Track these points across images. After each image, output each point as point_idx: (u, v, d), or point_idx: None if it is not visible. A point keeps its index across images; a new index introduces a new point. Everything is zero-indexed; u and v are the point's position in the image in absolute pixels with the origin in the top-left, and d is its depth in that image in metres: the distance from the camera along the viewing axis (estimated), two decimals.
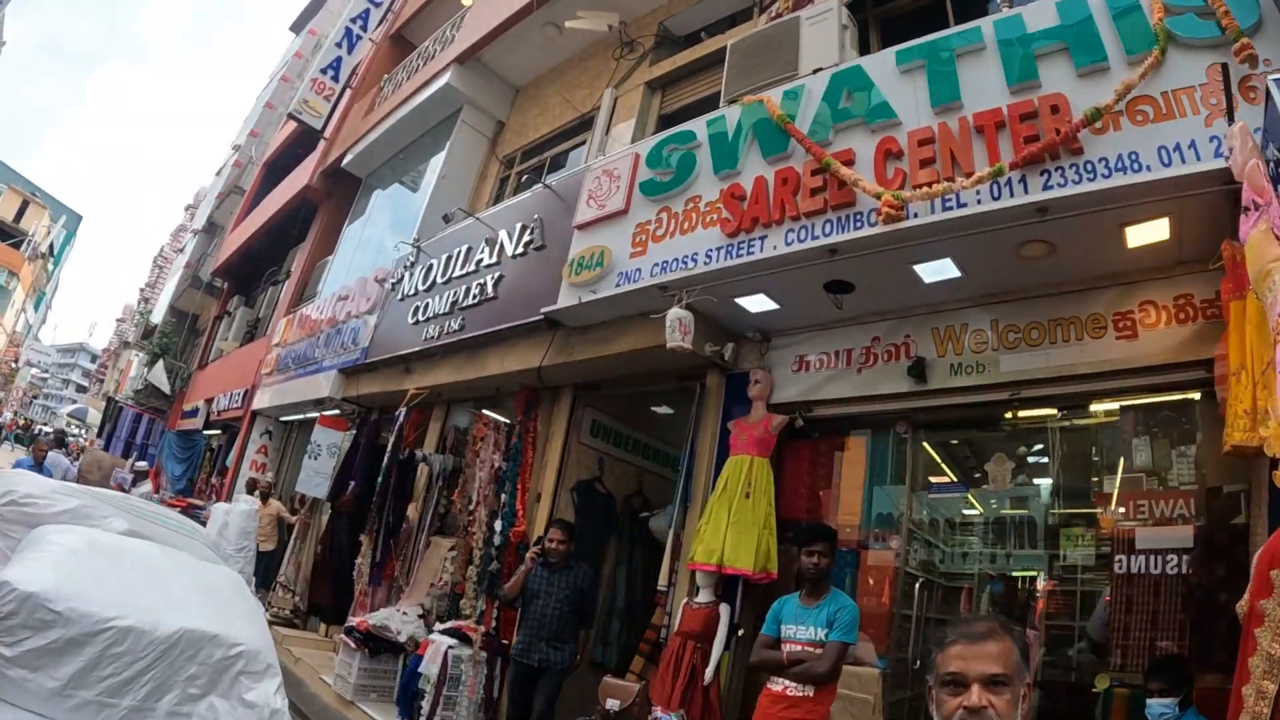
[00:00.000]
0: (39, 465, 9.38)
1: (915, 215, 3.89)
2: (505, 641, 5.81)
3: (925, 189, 3.85)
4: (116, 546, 3.11)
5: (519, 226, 6.88)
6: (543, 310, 5.68)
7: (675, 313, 4.73)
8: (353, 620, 6.75)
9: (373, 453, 8.38)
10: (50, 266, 53.63)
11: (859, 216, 4.21)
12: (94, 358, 70.17)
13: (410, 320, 8.03)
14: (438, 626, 6.20)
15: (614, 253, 5.40)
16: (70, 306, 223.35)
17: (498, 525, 6.32)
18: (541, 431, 6.57)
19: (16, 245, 41.98)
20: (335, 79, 14.82)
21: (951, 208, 3.83)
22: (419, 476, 7.82)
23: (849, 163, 4.33)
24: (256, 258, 17.16)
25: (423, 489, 7.78)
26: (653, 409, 7.54)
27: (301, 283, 13.58)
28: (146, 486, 10.55)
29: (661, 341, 4.78)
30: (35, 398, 68.84)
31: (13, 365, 55.58)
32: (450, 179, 9.80)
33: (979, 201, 3.76)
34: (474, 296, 7.04)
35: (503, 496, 6.44)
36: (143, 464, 12.56)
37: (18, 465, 9.82)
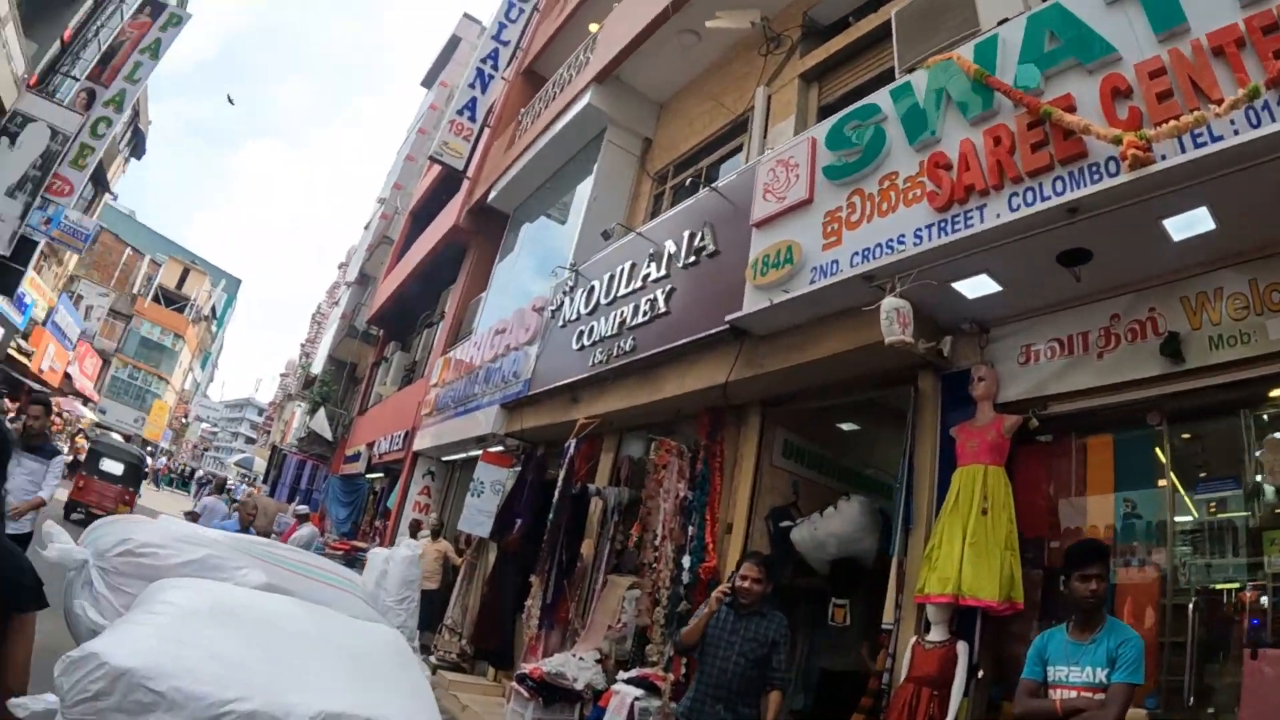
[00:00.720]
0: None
1: (1163, 157, 3.18)
2: None
3: (1171, 124, 3.15)
4: (246, 605, 2.61)
5: (686, 235, 6.42)
6: (728, 319, 5.13)
7: (891, 302, 4.08)
8: (524, 667, 6.32)
9: (540, 489, 7.99)
10: (214, 328, 59.01)
11: (1094, 168, 3.54)
12: (260, 411, 75.67)
13: (574, 346, 7.70)
14: (622, 675, 5.63)
15: (803, 247, 4.82)
16: (236, 365, 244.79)
17: (685, 561, 5.71)
18: (729, 455, 5.94)
19: (181, 310, 46.48)
20: (472, 119, 15.12)
21: (1204, 143, 3.12)
22: (592, 511, 7.36)
23: (1070, 109, 3.66)
24: (410, 303, 17.67)
25: (596, 525, 7.28)
26: (838, 426, 6.85)
27: (456, 322, 13.73)
28: (305, 530, 10.71)
29: (868, 341, 4.17)
30: (205, 450, 74.98)
31: (183, 421, 61.00)
32: (602, 200, 9.54)
33: (1235, 133, 3.04)
34: (644, 314, 6.61)
35: (690, 529, 5.85)
36: (303, 508, 12.88)
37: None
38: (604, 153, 9.70)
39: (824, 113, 6.80)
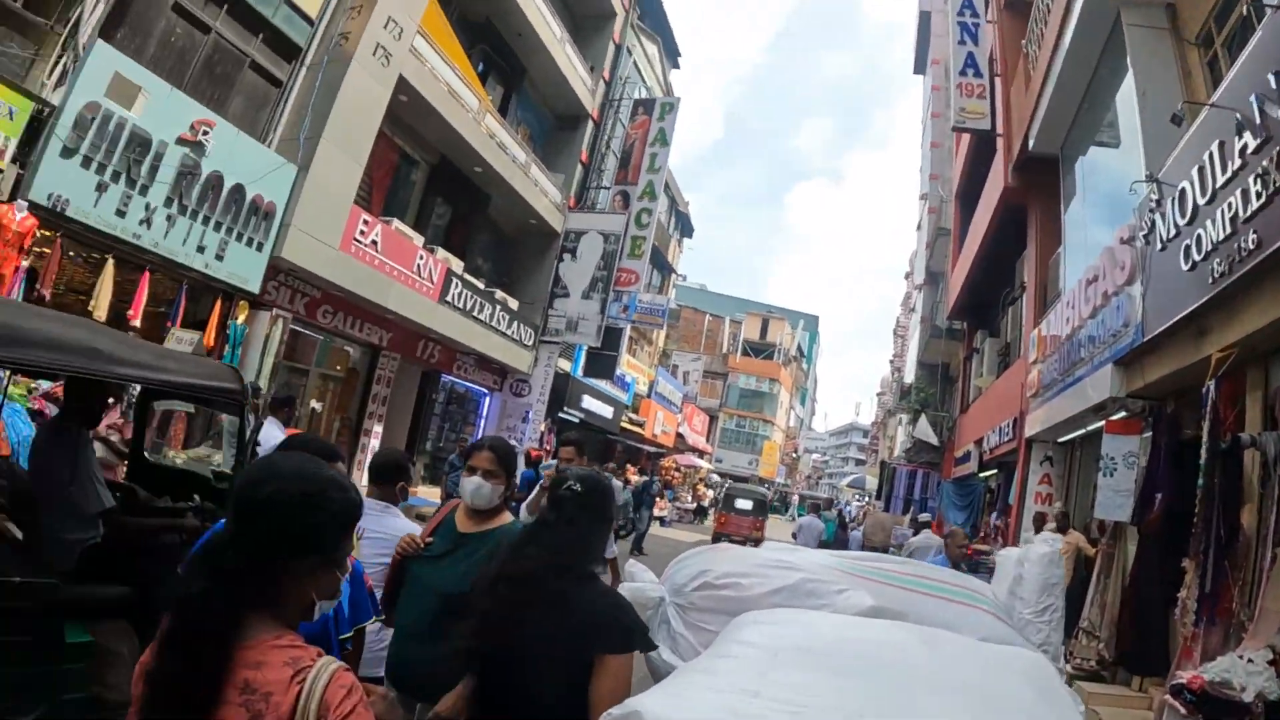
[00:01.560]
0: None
1: None
2: None
3: None
4: (843, 638, 2.15)
5: (1272, 79, 5.00)
6: None
7: None
8: (1181, 675, 4.96)
9: (1177, 452, 6.57)
10: (804, 365, 64.80)
11: None
12: (865, 433, 79.39)
13: (1184, 267, 6.45)
14: None
15: None
16: (834, 395, 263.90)
17: None
18: None
19: (769, 356, 52.37)
20: (978, 74, 14.35)
21: None
22: (1248, 468, 5.78)
23: None
24: (985, 285, 16.98)
25: (1256, 485, 5.58)
26: None
27: (1040, 288, 12.71)
28: (920, 538, 10.55)
29: None
30: (820, 478, 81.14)
31: (794, 455, 67.27)
32: (1151, 94, 7.98)
33: None
34: (1257, 196, 5.24)
35: None
36: (925, 515, 12.85)
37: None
38: (1129, 41, 8.18)
39: None
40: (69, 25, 8.66)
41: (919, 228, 29.53)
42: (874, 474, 42.87)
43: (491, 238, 19.00)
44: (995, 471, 15.10)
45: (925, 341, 23.14)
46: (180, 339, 9.84)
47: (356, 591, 2.40)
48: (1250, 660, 4.83)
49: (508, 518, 3.00)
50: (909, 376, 25.60)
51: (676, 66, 28.83)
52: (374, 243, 12.59)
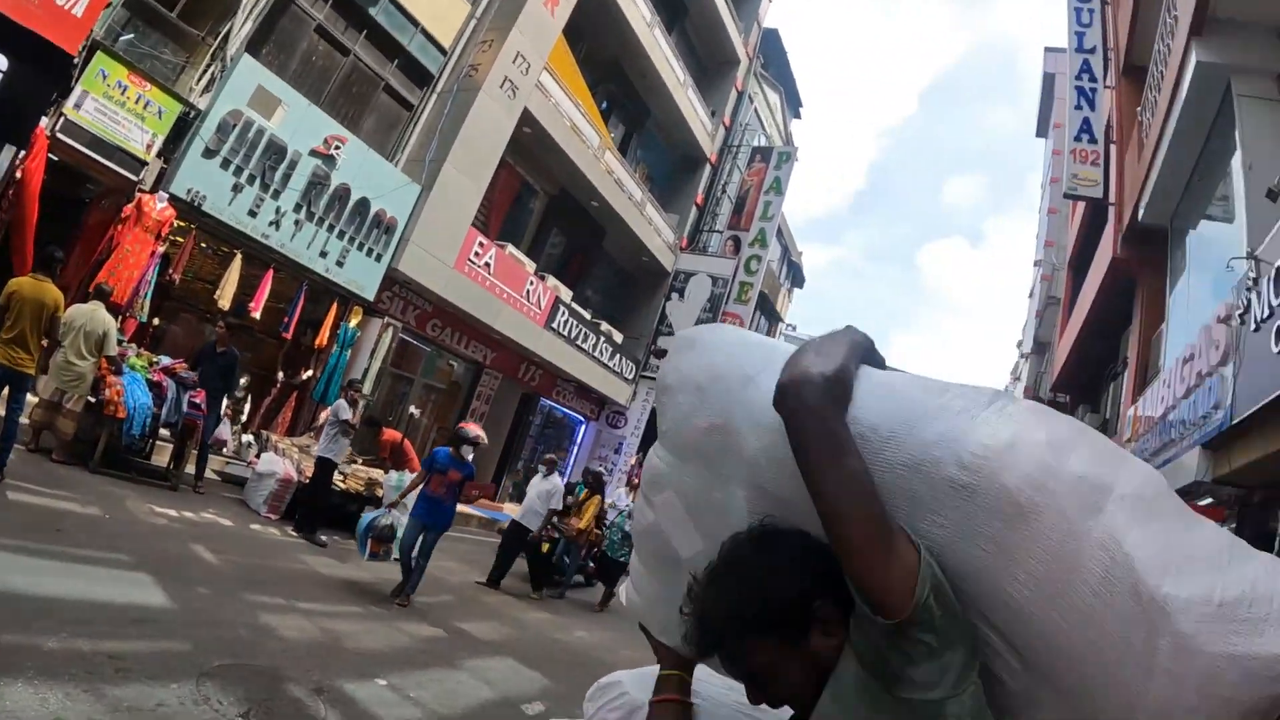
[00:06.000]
0: None
1: None
2: None
3: None
4: None
5: None
6: None
7: None
8: None
9: (1262, 544, 6.06)
10: None
11: None
12: None
13: (1275, 349, 6.05)
14: None
15: None
16: None
17: None
18: None
19: None
20: (1092, 140, 13.90)
21: None
22: None
23: None
24: (1090, 358, 16.16)
25: None
26: None
27: (1141, 366, 12.01)
28: None
29: None
30: None
31: None
32: (1258, 166, 7.55)
33: None
34: None
35: None
36: None
37: None
38: (1239, 110, 7.80)
39: None
40: (220, 38, 9.69)
41: (1030, 295, 28.42)
42: None
43: (603, 271, 19.47)
44: None
45: None
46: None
47: None
48: None
49: None
50: None
51: (798, 116, 29.03)
52: (487, 265, 13.29)
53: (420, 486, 7.42)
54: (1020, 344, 33.09)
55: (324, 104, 10.99)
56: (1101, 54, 14.23)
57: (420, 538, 7.16)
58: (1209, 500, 7.68)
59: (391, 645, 5.83)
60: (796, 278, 33.09)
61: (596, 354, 16.85)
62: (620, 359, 17.88)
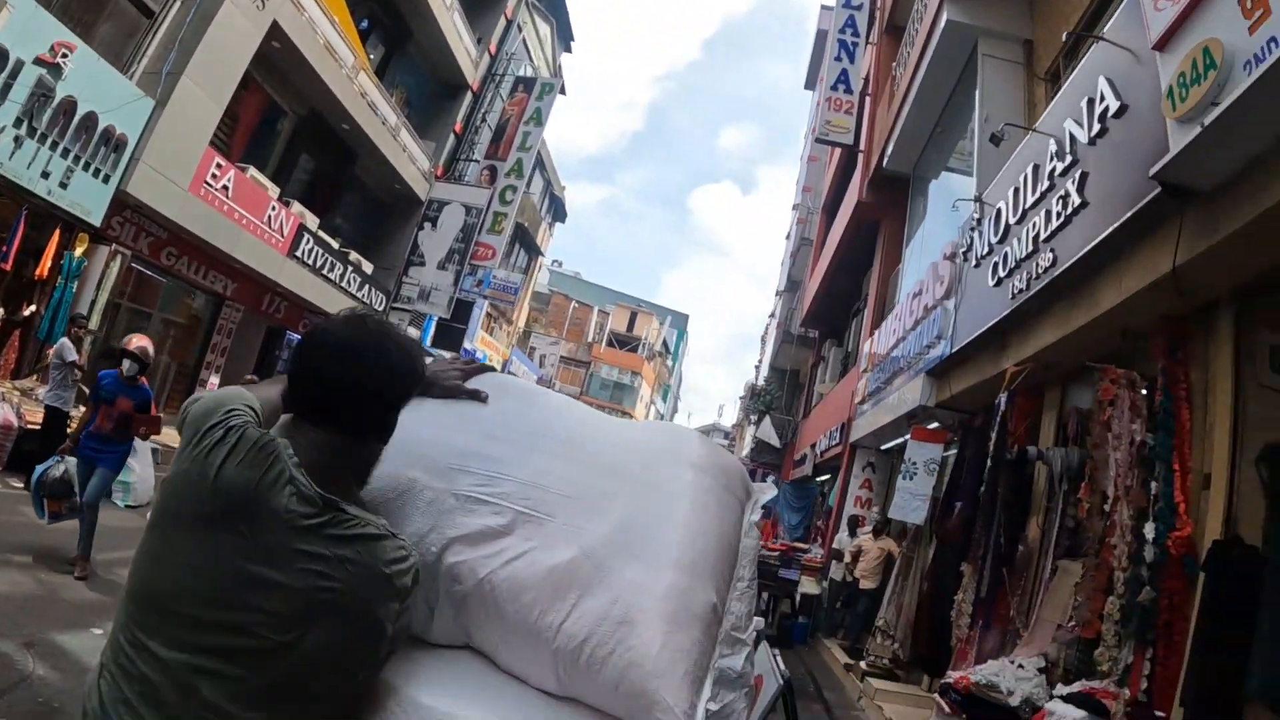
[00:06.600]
0: None
1: None
2: (1161, 714, 3.82)
3: None
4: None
5: (1084, 103, 5.20)
6: (1153, 172, 3.89)
7: None
8: (951, 675, 5.16)
9: (980, 465, 6.71)
10: (669, 362, 65.86)
11: None
12: (726, 434, 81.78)
13: (991, 283, 6.70)
14: (1059, 690, 4.30)
15: (1224, 42, 3.40)
16: (703, 397, 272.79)
17: (1149, 530, 4.10)
18: (1197, 380, 4.37)
19: (634, 350, 52.89)
20: (848, 91, 14.77)
21: None
22: (1036, 481, 6.13)
23: None
24: (837, 296, 17.56)
25: (1043, 498, 5.99)
26: None
27: (879, 302, 13.19)
28: None
29: None
30: None
31: None
32: (993, 120, 8.29)
33: None
34: (1057, 216, 5.45)
35: (1153, 485, 4.26)
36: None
37: None
38: (982, 69, 8.50)
39: None
40: None
41: (788, 237, 30.38)
42: None
43: (354, 199, 18.35)
44: (829, 476, 15.57)
45: (779, 346, 23.80)
46: None
47: None
48: (1021, 666, 5.00)
49: None
50: (761, 380, 26.27)
51: (569, 50, 28.53)
52: (225, 188, 12.19)
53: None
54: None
55: (55, 8, 9.30)
56: (868, 11, 15.04)
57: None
58: (935, 424, 8.55)
59: (113, 594, 5.36)
60: (559, 212, 32.95)
61: (344, 284, 15.86)
62: (370, 290, 16.98)
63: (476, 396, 1.59)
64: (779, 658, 3.81)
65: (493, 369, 1.83)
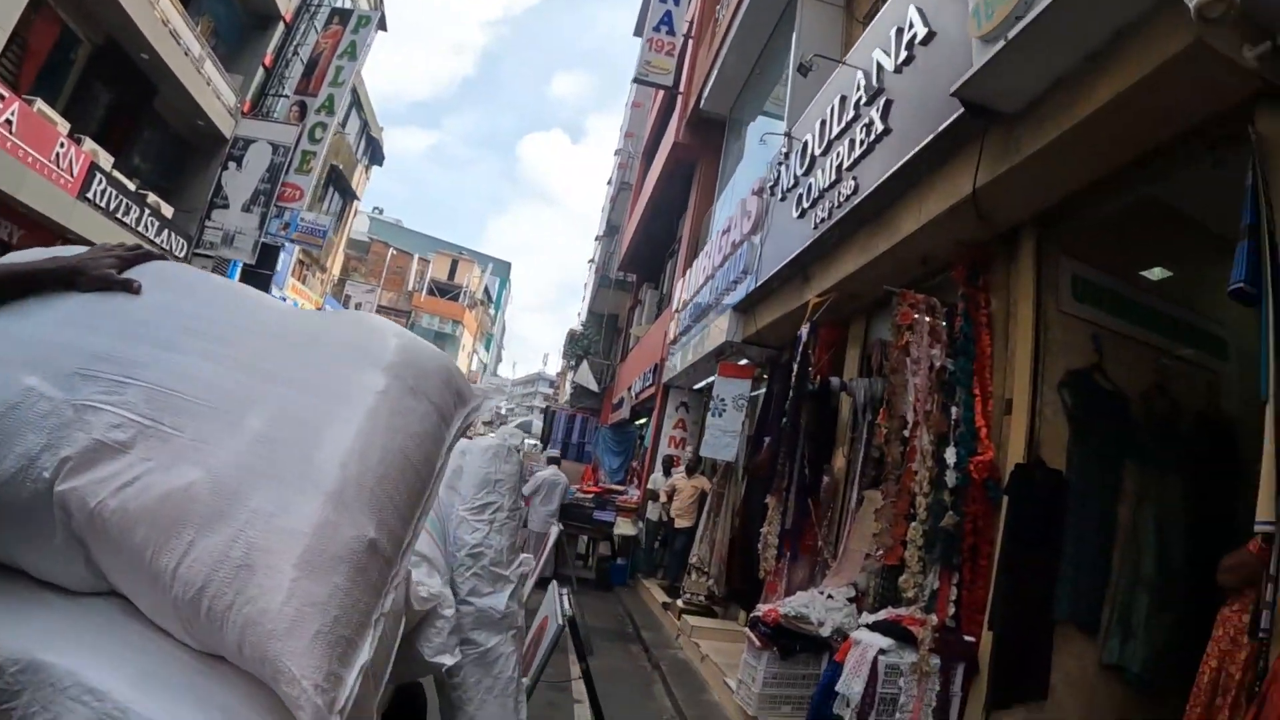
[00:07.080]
0: None
1: None
2: (970, 638, 3.88)
3: None
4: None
5: (893, 32, 5.16)
6: (954, 89, 3.85)
7: None
8: (761, 608, 5.14)
9: (786, 397, 6.59)
10: (492, 311, 64.86)
11: None
12: (550, 383, 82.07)
13: (795, 214, 6.69)
14: (864, 619, 4.30)
15: None
16: (528, 346, 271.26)
17: (950, 455, 4.16)
18: (998, 307, 4.45)
19: (455, 298, 51.60)
20: (670, 33, 14.56)
21: None
22: (841, 413, 6.22)
23: None
24: (654, 240, 17.53)
25: (847, 429, 6.08)
26: (1148, 246, 4.99)
27: (693, 243, 13.20)
28: (552, 472, 10.58)
29: (1160, 62, 2.81)
30: (500, 423, 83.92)
31: None
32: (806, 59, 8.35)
33: None
34: (860, 144, 5.44)
35: (954, 411, 4.32)
36: (553, 451, 13.34)
37: None
38: (801, 10, 8.40)
39: None
40: None
41: (609, 182, 30.17)
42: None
43: (154, 136, 16.21)
44: (646, 419, 15.59)
45: (597, 291, 23.66)
46: None
47: None
48: (831, 596, 5.00)
49: None
50: (580, 325, 26.09)
51: None
52: (8, 122, 10.48)
53: None
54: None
55: None
56: None
57: None
58: (745, 361, 8.55)
59: None
60: (376, 155, 30.82)
61: (142, 229, 14.06)
62: (170, 235, 15.23)
63: (128, 287, 1.31)
64: (566, 597, 3.59)
65: (161, 257, 1.48)
